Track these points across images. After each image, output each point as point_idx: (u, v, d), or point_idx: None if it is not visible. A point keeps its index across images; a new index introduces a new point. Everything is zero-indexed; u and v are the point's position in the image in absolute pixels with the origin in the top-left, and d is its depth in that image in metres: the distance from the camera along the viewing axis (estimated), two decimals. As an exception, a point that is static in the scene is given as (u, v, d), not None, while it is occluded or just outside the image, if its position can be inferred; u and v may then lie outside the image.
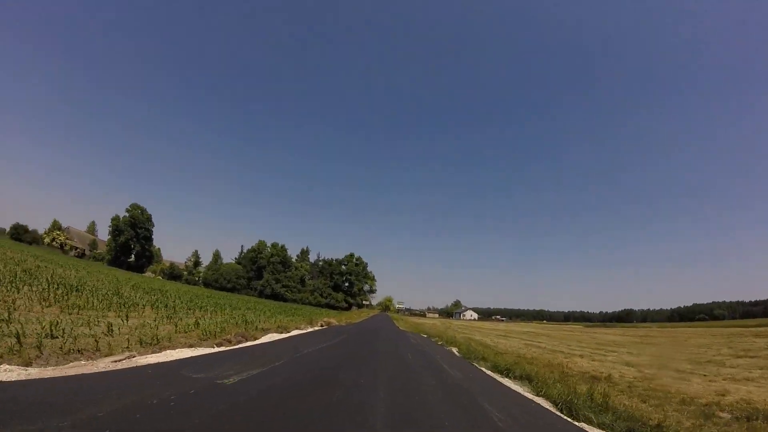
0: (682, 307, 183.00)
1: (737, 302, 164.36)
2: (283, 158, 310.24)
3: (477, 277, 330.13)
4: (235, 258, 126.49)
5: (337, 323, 36.94)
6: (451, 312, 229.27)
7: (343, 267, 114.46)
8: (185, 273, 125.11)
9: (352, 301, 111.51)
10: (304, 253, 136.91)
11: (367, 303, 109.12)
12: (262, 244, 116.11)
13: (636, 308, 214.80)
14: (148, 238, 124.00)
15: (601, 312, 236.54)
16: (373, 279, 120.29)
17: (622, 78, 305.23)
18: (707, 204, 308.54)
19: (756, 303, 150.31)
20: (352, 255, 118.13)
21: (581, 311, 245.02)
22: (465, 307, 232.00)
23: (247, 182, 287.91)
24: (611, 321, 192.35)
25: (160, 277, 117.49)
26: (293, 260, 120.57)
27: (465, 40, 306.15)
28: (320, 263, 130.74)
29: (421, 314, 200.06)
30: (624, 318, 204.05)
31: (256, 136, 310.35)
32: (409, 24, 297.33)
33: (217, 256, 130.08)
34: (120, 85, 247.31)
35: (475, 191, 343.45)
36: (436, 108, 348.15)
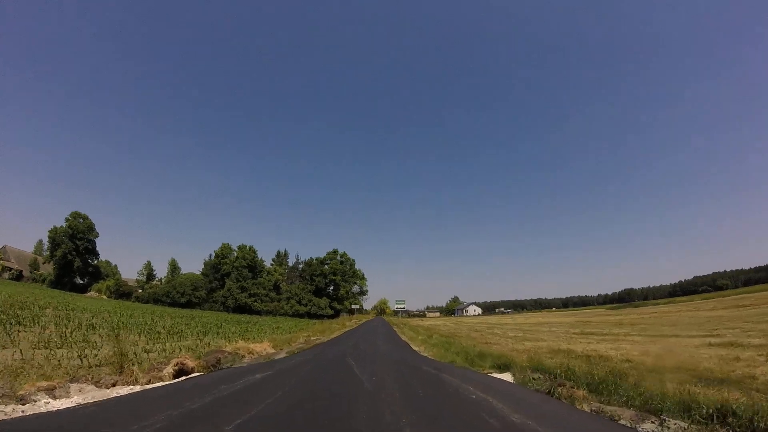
0: (683, 281, 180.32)
1: (738, 270, 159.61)
2: (263, 158, 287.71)
3: (471, 272, 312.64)
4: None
5: (305, 343, 17.55)
6: (452, 309, 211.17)
7: (326, 266, 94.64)
8: (137, 290, 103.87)
9: (339, 306, 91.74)
10: (281, 257, 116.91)
11: (358, 307, 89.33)
12: (226, 248, 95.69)
13: (635, 287, 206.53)
14: (91, 251, 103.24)
15: (599, 295, 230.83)
16: (363, 278, 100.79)
17: (610, 59, 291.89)
18: (697, 175, 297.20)
19: (759, 269, 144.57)
20: (335, 252, 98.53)
21: (579, 296, 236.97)
22: (466, 302, 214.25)
23: (222, 186, 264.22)
24: (612, 303, 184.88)
25: (104, 297, 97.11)
26: (266, 265, 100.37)
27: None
28: (300, 266, 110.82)
29: (421, 315, 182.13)
30: (625, 298, 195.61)
31: (245, 137, 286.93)
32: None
33: (174, 266, 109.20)
34: (64, 85, 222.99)
35: (459, 181, 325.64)
36: (420, 97, 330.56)
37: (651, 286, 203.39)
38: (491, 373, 11.68)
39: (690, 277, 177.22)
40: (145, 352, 14.41)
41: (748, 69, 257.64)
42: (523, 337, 29.46)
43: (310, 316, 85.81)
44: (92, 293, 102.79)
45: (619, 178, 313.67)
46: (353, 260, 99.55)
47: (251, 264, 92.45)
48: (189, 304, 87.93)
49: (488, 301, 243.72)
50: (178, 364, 10.72)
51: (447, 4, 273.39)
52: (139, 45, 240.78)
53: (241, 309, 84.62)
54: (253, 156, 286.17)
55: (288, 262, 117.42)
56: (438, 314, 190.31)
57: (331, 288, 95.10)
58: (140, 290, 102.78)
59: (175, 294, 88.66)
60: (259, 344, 17.53)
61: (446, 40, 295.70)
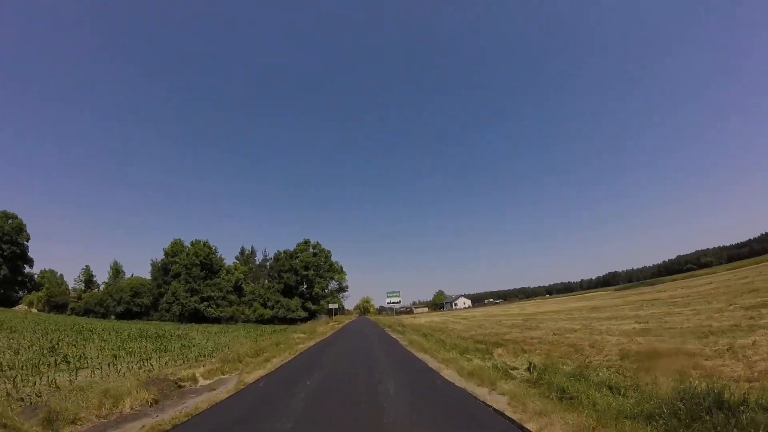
0: (666, 260, 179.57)
1: (720, 248, 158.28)
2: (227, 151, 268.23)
3: (448, 265, 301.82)
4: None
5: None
6: (440, 303, 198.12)
7: (296, 260, 79.34)
8: (75, 299, 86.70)
9: (314, 307, 76.72)
10: (247, 255, 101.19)
11: (336, 306, 74.51)
12: (177, 245, 79.35)
13: (619, 270, 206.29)
14: (21, 256, 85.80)
15: (582, 280, 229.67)
16: (341, 272, 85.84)
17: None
18: (671, 154, 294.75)
19: (740, 245, 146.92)
20: (306, 242, 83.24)
21: (562, 282, 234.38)
22: (453, 295, 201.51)
23: (194, 181, 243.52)
24: (596, 287, 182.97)
25: (34, 310, 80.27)
26: (226, 263, 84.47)
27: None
28: (267, 263, 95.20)
29: (408, 311, 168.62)
30: (610, 281, 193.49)
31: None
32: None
33: (116, 270, 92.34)
34: None
35: (432, 170, 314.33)
36: (397, 84, 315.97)
37: (634, 268, 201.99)
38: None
39: (673, 257, 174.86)
40: None
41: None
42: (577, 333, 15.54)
43: (280, 320, 70.85)
44: (22, 306, 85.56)
45: (594, 159, 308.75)
46: (329, 251, 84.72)
47: (205, 262, 76.48)
48: (127, 315, 71.60)
49: (471, 293, 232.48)
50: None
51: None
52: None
53: (193, 317, 68.92)
54: (233, 153, 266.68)
55: (255, 260, 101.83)
56: (426, 309, 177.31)
57: (304, 286, 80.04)
58: (77, 300, 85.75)
59: (110, 302, 72.17)
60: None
61: (426, 27, 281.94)
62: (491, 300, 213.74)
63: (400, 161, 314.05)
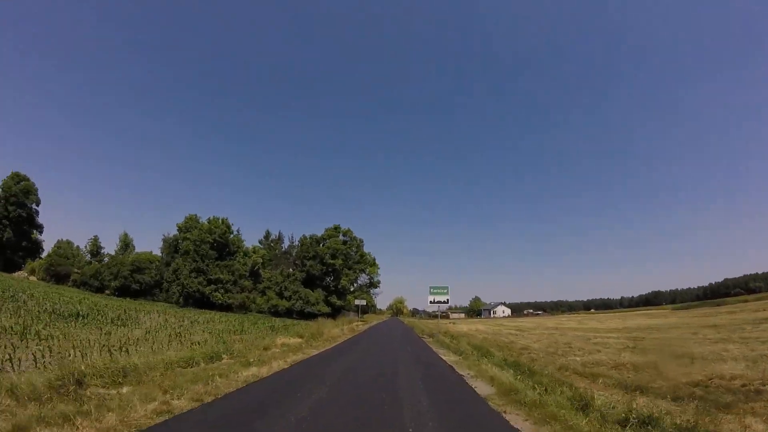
0: (713, 283, 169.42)
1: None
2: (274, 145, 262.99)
3: (486, 271, 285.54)
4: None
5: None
6: (477, 310, 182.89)
7: (322, 246, 67.73)
8: (75, 272, 78.84)
9: (338, 302, 64.74)
10: (273, 241, 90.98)
11: (363, 303, 62.15)
12: (192, 220, 69.41)
13: (662, 290, 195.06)
14: (28, 220, 79.20)
15: (622, 297, 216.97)
16: (373, 265, 73.50)
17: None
18: (721, 175, 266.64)
19: None
20: (336, 228, 71.46)
21: (600, 298, 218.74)
22: (492, 302, 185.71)
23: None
24: (638, 306, 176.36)
25: (35, 278, 73.29)
26: (244, 245, 74.16)
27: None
28: (294, 252, 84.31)
29: (444, 315, 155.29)
30: (652, 301, 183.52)
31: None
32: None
33: (125, 243, 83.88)
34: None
35: (468, 178, 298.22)
36: (443, 89, 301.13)
37: (678, 288, 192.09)
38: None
39: (720, 279, 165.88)
40: None
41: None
42: None
43: (297, 314, 59.52)
44: (22, 273, 78.86)
45: (641, 177, 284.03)
46: (361, 240, 72.67)
47: (220, 240, 66.15)
48: (125, 291, 62.29)
49: (505, 301, 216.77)
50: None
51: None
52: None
53: (199, 301, 58.71)
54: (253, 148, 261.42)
55: (282, 247, 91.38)
56: (463, 315, 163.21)
57: (330, 277, 68.22)
58: (76, 270, 77.85)
59: (106, 276, 63.11)
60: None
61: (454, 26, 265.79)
62: (530, 311, 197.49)
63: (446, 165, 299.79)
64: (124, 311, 30.83)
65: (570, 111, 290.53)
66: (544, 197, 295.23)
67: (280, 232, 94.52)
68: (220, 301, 57.93)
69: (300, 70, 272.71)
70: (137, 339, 16.02)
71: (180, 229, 70.24)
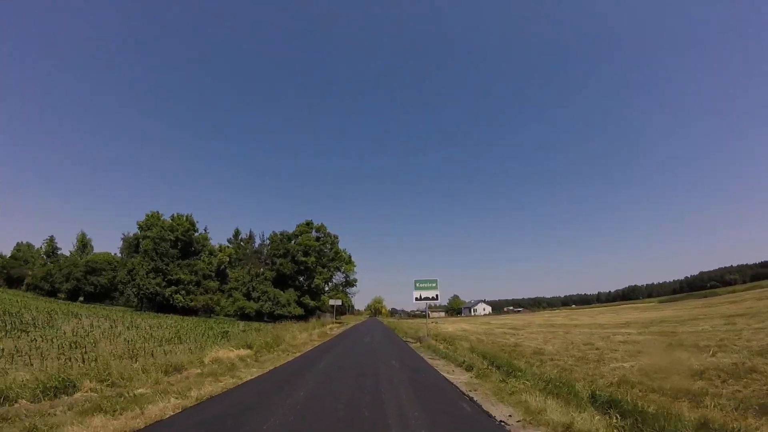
0: (689, 276, 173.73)
1: (743, 265, 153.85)
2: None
3: (463, 269, 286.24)
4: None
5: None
6: (457, 308, 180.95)
7: (293, 243, 63.64)
8: (29, 273, 72.54)
9: (312, 302, 60.73)
10: (245, 241, 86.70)
11: (340, 303, 58.27)
12: (154, 218, 64.10)
13: (639, 284, 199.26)
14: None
15: (599, 292, 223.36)
16: (349, 262, 69.79)
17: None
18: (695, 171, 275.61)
19: (763, 264, 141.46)
20: (309, 223, 67.45)
21: (578, 294, 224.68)
22: (472, 300, 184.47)
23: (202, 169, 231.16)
24: (615, 300, 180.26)
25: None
26: (211, 244, 69.51)
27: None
28: (265, 250, 79.83)
29: (421, 315, 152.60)
30: (629, 295, 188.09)
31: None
32: None
33: (83, 243, 77.98)
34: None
35: (450, 172, 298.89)
36: (414, 81, 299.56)
37: (654, 282, 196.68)
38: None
39: (696, 272, 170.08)
40: None
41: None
42: None
43: (269, 317, 55.28)
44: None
45: (616, 172, 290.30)
46: (335, 236, 68.81)
47: (183, 238, 61.37)
48: (78, 295, 56.95)
49: (484, 299, 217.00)
50: None
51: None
52: None
53: (161, 305, 53.87)
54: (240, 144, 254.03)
55: (254, 246, 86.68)
56: (443, 314, 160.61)
57: (303, 276, 64.15)
58: (30, 273, 71.54)
59: (57, 278, 57.59)
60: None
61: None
62: (511, 308, 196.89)
63: (413, 160, 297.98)
64: (49, 315, 26.44)
65: (547, 107, 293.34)
66: (523, 196, 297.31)
67: (251, 231, 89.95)
68: (181, 304, 53.27)
69: (287, 67, 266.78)
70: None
71: (141, 228, 64.94)
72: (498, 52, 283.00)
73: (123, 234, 73.36)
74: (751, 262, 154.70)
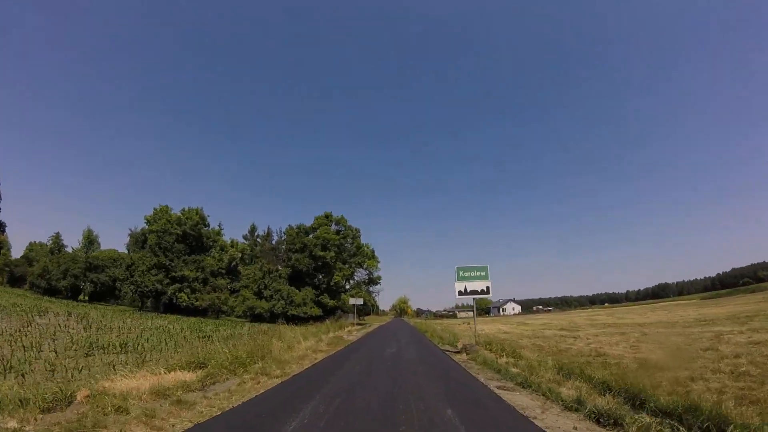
0: (721, 273, 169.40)
1: None
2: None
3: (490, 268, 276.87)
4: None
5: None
6: (484, 308, 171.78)
7: (311, 237, 57.36)
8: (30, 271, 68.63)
9: (331, 302, 54.20)
10: (262, 238, 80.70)
11: (361, 302, 51.46)
12: (162, 212, 58.85)
13: (669, 282, 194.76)
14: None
15: (628, 291, 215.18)
16: (372, 257, 62.97)
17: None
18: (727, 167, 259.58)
19: None
20: (328, 216, 60.97)
21: (606, 293, 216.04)
22: (501, 299, 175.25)
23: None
24: (645, 299, 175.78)
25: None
26: (224, 239, 64.06)
27: None
28: (282, 247, 73.84)
29: (450, 315, 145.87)
30: (660, 293, 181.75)
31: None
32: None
33: (89, 240, 73.54)
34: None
35: (470, 170, 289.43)
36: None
37: (685, 280, 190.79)
38: None
39: (728, 269, 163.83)
40: None
41: None
42: None
43: (284, 318, 49.18)
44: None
45: (647, 171, 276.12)
46: (357, 230, 62.12)
47: (191, 233, 55.95)
48: (78, 292, 52.06)
49: (513, 298, 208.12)
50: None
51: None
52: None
53: (167, 305, 48.50)
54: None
55: (272, 242, 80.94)
56: (471, 314, 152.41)
57: (321, 274, 57.78)
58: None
59: (54, 275, 52.85)
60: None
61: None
62: (540, 307, 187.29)
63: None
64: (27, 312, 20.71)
65: (577, 106, 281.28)
66: (551, 196, 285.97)
67: (268, 227, 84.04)
68: (185, 303, 47.64)
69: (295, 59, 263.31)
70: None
71: (148, 222, 59.82)
72: (500, 46, 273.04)
73: (130, 229, 68.44)
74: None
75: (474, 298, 19.40)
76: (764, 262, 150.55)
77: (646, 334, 22.31)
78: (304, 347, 16.17)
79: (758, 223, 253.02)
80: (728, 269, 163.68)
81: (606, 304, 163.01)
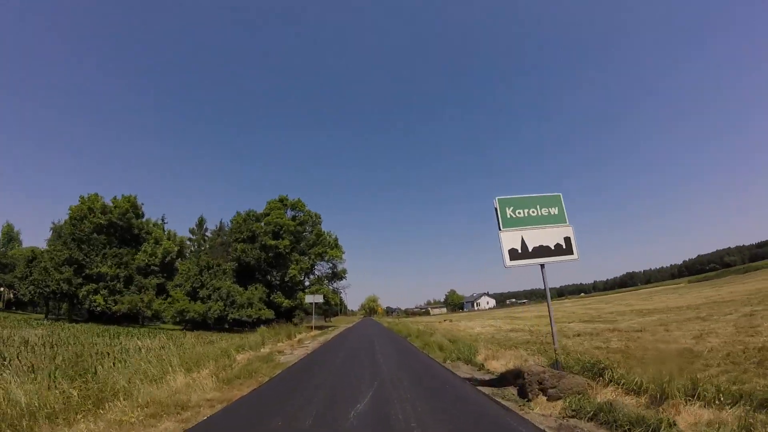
0: (687, 260, 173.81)
1: (741, 247, 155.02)
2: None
3: (454, 264, 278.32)
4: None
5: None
6: (458, 303, 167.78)
7: (261, 225, 49.01)
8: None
9: (286, 301, 46.00)
10: (214, 232, 72.10)
11: (321, 300, 43.38)
12: (90, 201, 48.67)
13: (636, 270, 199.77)
14: None
15: (595, 281, 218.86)
16: (335, 247, 54.99)
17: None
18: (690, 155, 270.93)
19: (761, 244, 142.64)
20: (282, 200, 52.54)
21: (573, 284, 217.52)
22: (474, 294, 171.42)
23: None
24: (612, 288, 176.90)
25: None
26: (161, 232, 55.04)
27: None
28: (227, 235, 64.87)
29: (422, 312, 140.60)
30: (627, 282, 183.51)
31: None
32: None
33: (9, 236, 63.08)
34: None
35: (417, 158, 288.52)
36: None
37: (652, 268, 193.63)
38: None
39: (693, 256, 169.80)
40: None
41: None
42: None
43: (228, 322, 40.68)
44: None
45: (612, 159, 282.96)
46: (317, 215, 54.09)
47: (119, 224, 46.75)
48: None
49: (484, 293, 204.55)
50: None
51: None
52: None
53: (89, 311, 39.26)
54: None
55: (223, 239, 71.79)
56: (444, 310, 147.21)
57: (275, 270, 49.54)
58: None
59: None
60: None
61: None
62: (514, 300, 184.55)
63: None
64: None
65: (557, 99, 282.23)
66: (518, 187, 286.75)
67: (221, 221, 75.36)
68: (101, 308, 38.54)
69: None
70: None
71: (72, 215, 49.87)
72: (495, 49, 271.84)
73: (53, 222, 58.14)
74: (747, 243, 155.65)
75: (542, 264, 8.84)
76: (729, 247, 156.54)
77: (669, 328, 15.88)
78: (144, 399, 7.29)
79: (721, 209, 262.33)
80: (694, 256, 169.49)
81: (582, 294, 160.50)
